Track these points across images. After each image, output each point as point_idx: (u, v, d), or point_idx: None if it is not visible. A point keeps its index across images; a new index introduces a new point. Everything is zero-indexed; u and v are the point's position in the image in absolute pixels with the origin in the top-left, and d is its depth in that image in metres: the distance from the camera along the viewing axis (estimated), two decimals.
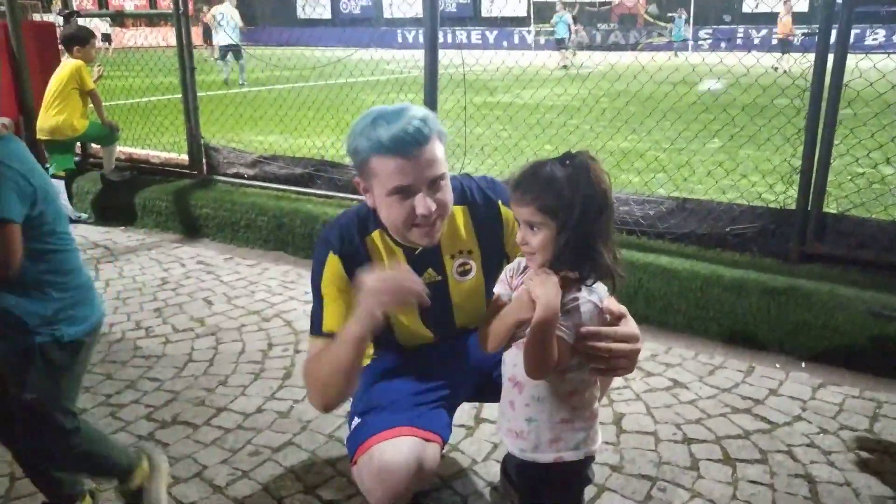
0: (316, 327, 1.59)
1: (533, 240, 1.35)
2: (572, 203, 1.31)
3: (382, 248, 1.64)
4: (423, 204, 1.49)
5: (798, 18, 23.55)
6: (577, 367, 1.40)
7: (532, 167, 1.38)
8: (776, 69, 11.22)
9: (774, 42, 18.08)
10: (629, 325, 1.41)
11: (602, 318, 1.38)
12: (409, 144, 1.45)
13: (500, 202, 1.68)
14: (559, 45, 19.11)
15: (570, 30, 19.82)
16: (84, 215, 5.21)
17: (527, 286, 1.34)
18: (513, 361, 1.44)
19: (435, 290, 1.68)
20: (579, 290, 1.36)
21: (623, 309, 1.43)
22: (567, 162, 1.34)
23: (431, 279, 1.67)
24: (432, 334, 1.73)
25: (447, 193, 1.55)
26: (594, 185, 1.33)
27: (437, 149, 1.51)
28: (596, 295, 1.38)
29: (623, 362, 1.38)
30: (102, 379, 2.86)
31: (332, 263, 1.60)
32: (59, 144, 5.14)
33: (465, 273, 1.69)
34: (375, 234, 1.64)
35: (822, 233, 3.36)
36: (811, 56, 3.15)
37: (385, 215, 1.55)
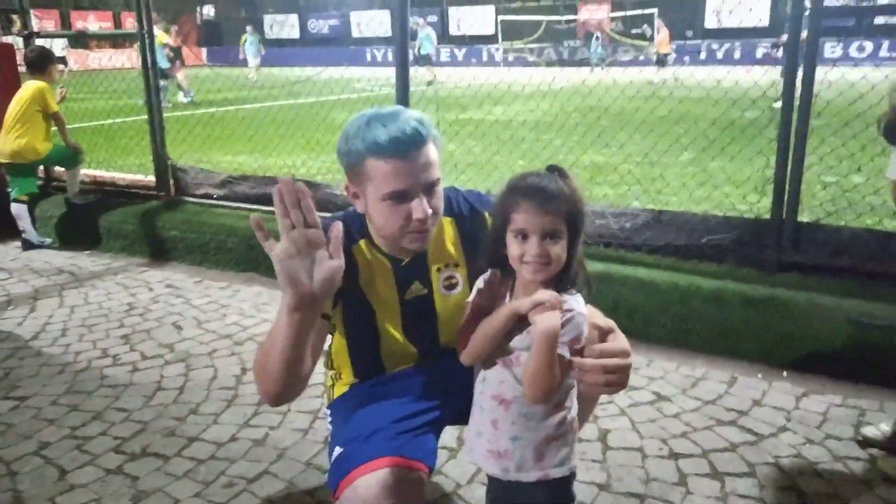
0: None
1: (554, 250, 1.32)
2: (580, 211, 1.33)
3: (369, 258, 1.59)
4: (420, 209, 1.44)
5: (760, 32, 24.17)
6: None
7: (534, 176, 1.35)
8: (651, 82, 12.05)
9: (653, 58, 18.86)
10: (618, 340, 1.37)
11: (589, 329, 1.36)
12: (407, 146, 1.40)
13: (486, 214, 1.63)
14: (425, 61, 19.10)
15: (434, 45, 19.97)
16: (48, 240, 5.06)
17: (533, 305, 1.30)
18: (498, 379, 1.39)
19: (420, 304, 1.62)
20: (566, 301, 1.33)
21: (611, 323, 1.39)
22: (556, 172, 1.35)
23: (417, 293, 1.62)
24: (416, 351, 1.67)
25: (441, 200, 1.51)
26: (582, 195, 1.35)
27: (433, 152, 1.47)
28: (580, 305, 1.35)
29: (615, 378, 1.33)
30: (67, 410, 2.74)
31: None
32: (21, 168, 4.99)
33: (451, 287, 1.64)
34: (362, 244, 1.58)
35: (798, 242, 3.37)
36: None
37: (378, 220, 1.49)
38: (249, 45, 20.82)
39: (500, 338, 1.35)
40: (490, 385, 1.41)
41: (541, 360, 1.27)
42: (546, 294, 1.29)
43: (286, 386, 1.38)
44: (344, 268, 1.27)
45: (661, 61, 17.48)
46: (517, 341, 1.35)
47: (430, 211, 1.45)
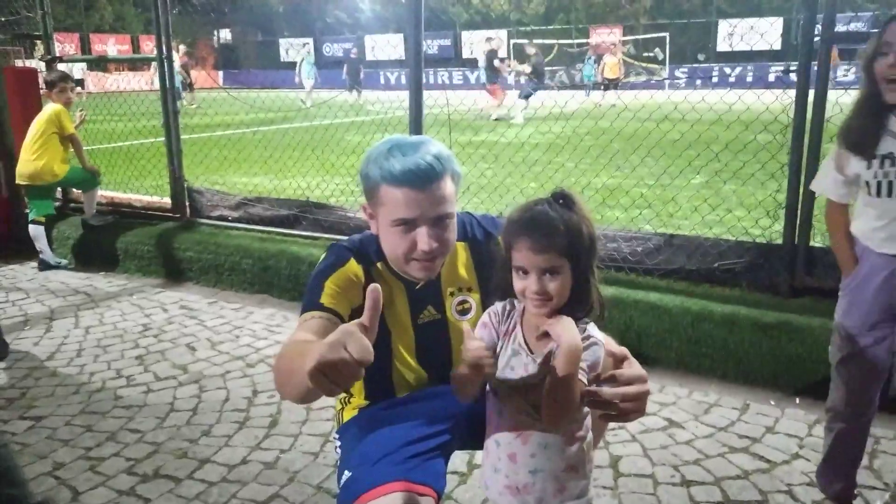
0: (310, 304, 1.50)
1: (552, 286, 1.30)
2: (581, 241, 1.31)
3: (386, 280, 1.61)
4: (424, 240, 1.47)
5: (772, 55, 24.18)
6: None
7: (532, 211, 1.33)
8: (599, 105, 13.04)
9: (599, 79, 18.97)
10: (633, 367, 1.37)
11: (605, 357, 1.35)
12: (420, 178, 1.44)
13: (500, 238, 1.65)
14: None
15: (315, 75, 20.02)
16: (64, 261, 5.12)
17: (550, 331, 1.29)
18: (515, 410, 1.38)
19: (433, 328, 1.64)
20: (585, 329, 1.33)
21: (625, 350, 1.39)
22: (561, 201, 1.33)
23: (430, 317, 1.64)
24: (427, 375, 1.68)
25: (451, 232, 1.54)
26: (589, 221, 1.33)
27: (448, 187, 1.49)
28: (597, 333, 1.35)
29: (633, 406, 1.33)
30: (82, 431, 2.76)
31: (353, 268, 1.55)
32: (39, 189, 5.08)
33: (464, 312, 1.66)
34: (379, 265, 1.62)
35: (811, 266, 3.35)
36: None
37: (386, 244, 1.54)
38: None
39: (474, 381, 1.30)
40: (506, 418, 1.40)
41: (563, 378, 1.25)
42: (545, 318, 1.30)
43: (307, 400, 1.35)
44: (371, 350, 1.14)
45: (608, 86, 17.59)
46: (530, 369, 1.33)
47: (434, 244, 1.48)
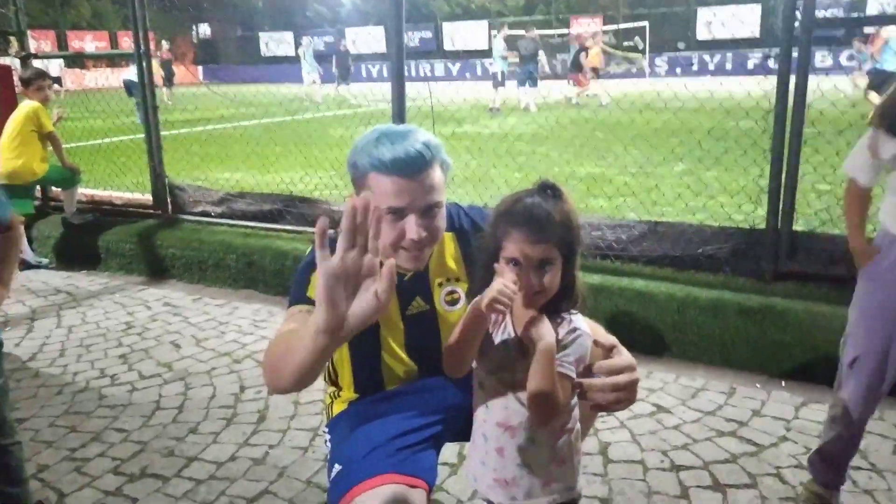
0: (296, 296, 1.50)
1: (546, 278, 1.28)
2: (573, 233, 1.30)
3: None
4: (413, 229, 1.45)
5: (752, 43, 24.33)
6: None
7: (524, 202, 1.30)
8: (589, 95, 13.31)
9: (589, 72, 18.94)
10: (623, 355, 1.37)
11: (592, 346, 1.35)
12: (409, 166, 1.43)
13: (487, 230, 1.64)
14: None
15: None
16: (45, 260, 5.06)
17: (529, 332, 1.28)
18: (503, 405, 1.37)
19: (422, 320, 1.63)
20: (571, 321, 1.32)
21: (613, 339, 1.39)
22: (549, 191, 1.31)
23: (419, 308, 1.62)
24: (417, 367, 1.67)
25: (440, 221, 1.52)
26: (576, 212, 1.31)
27: (437, 176, 1.48)
28: (584, 324, 1.34)
29: (624, 394, 1.33)
30: (66, 432, 2.73)
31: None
32: (18, 189, 4.99)
33: (453, 303, 1.65)
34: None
35: (794, 251, 3.38)
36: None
37: None
38: (309, 59, 19.04)
39: (472, 339, 1.31)
40: (494, 412, 1.39)
41: (543, 377, 1.25)
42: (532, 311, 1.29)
43: (296, 387, 1.30)
44: (385, 311, 1.15)
45: (596, 75, 17.55)
46: (520, 366, 1.32)
47: (423, 233, 1.46)
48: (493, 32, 17.27)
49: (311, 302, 1.47)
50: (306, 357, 1.15)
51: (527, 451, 1.36)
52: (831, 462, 2.15)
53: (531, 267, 1.27)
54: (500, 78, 14.01)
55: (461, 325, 1.33)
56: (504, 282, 1.24)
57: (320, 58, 20.51)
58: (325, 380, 1.80)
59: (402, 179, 1.43)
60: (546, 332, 1.26)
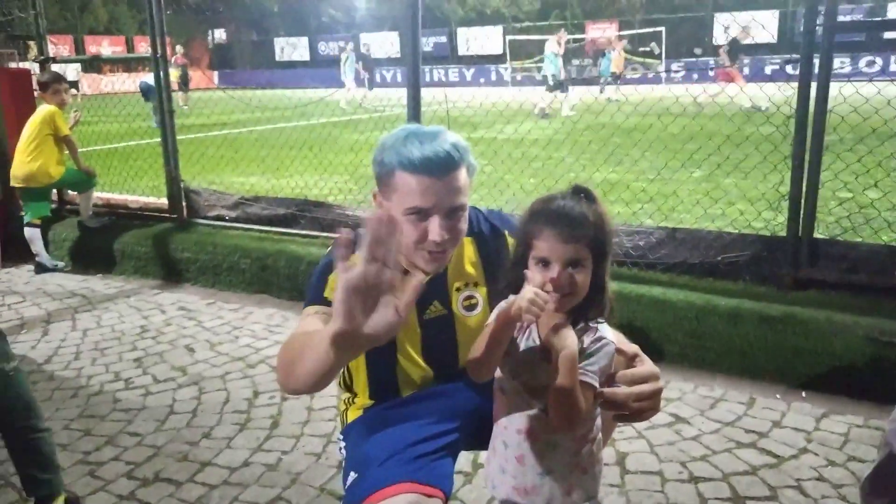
0: (313, 297, 1.48)
1: (579, 278, 1.27)
2: (605, 235, 1.28)
3: None
4: (436, 231, 1.43)
5: (769, 49, 24.18)
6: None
7: (558, 202, 1.30)
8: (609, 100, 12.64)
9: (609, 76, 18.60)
10: (646, 364, 1.34)
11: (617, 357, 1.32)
12: (437, 166, 1.41)
13: (507, 234, 1.62)
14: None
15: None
16: (60, 263, 5.08)
17: (549, 342, 1.26)
18: (525, 411, 1.35)
19: (440, 324, 1.60)
20: (597, 330, 1.29)
21: (636, 347, 1.35)
22: (582, 195, 1.30)
23: (437, 313, 1.60)
24: (433, 373, 1.65)
25: (463, 224, 1.50)
26: (609, 218, 1.30)
27: (463, 178, 1.46)
28: (609, 334, 1.31)
29: (648, 404, 1.30)
30: (81, 435, 2.72)
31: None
32: (35, 192, 5.03)
33: (471, 308, 1.63)
34: None
35: (815, 259, 3.33)
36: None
37: None
38: (349, 66, 19.17)
39: (499, 345, 1.30)
40: (515, 419, 1.37)
41: (564, 384, 1.22)
42: (558, 316, 1.26)
43: (309, 391, 1.30)
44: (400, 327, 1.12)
45: (618, 80, 17.18)
46: (543, 373, 1.30)
47: (446, 235, 1.44)
48: (547, 37, 16.99)
49: (327, 303, 1.45)
50: (318, 366, 1.14)
51: (547, 460, 1.34)
52: (885, 485, 1.99)
53: (561, 266, 1.25)
54: (552, 81, 13.92)
55: (489, 330, 1.30)
56: (535, 290, 1.22)
57: (334, 62, 20.53)
58: (339, 385, 1.78)
59: (428, 179, 1.41)
60: (569, 340, 1.23)
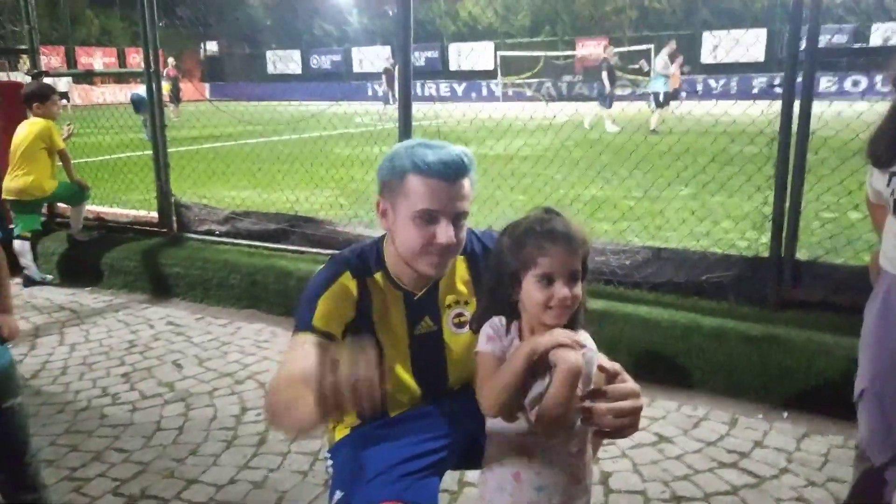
0: (302, 323, 1.51)
1: (577, 289, 1.33)
2: (587, 247, 1.36)
3: (383, 290, 1.61)
4: (444, 233, 1.48)
5: (756, 68, 24.45)
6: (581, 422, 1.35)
7: (551, 220, 1.36)
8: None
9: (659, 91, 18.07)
10: (627, 382, 1.37)
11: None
12: (449, 169, 1.47)
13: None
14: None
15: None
16: (49, 277, 5.07)
17: (553, 341, 1.29)
18: (519, 428, 1.37)
19: (429, 341, 1.64)
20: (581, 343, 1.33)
21: (617, 366, 1.38)
22: (556, 215, 1.38)
23: (427, 329, 1.64)
24: (421, 391, 1.67)
25: (463, 234, 1.56)
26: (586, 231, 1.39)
27: (469, 187, 1.53)
28: (591, 343, 1.35)
29: (628, 421, 1.33)
30: (67, 451, 2.72)
31: (347, 282, 1.56)
32: (27, 205, 5.02)
33: (460, 325, 1.66)
34: (377, 276, 1.61)
35: (798, 279, 3.38)
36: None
37: (402, 237, 1.53)
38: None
39: (521, 380, 1.31)
40: (510, 435, 1.39)
41: (561, 399, 1.25)
42: (564, 333, 1.29)
43: (295, 439, 1.39)
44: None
45: (669, 97, 16.09)
46: (536, 388, 1.32)
47: (454, 239, 1.49)
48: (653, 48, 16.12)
49: (317, 332, 1.48)
50: (303, 426, 1.23)
51: (544, 475, 1.37)
52: None
53: (565, 280, 1.31)
54: (661, 98, 12.91)
55: (514, 370, 1.29)
56: (564, 334, 1.28)
57: (328, 76, 20.51)
58: None
59: (439, 182, 1.47)
60: (572, 355, 1.26)
